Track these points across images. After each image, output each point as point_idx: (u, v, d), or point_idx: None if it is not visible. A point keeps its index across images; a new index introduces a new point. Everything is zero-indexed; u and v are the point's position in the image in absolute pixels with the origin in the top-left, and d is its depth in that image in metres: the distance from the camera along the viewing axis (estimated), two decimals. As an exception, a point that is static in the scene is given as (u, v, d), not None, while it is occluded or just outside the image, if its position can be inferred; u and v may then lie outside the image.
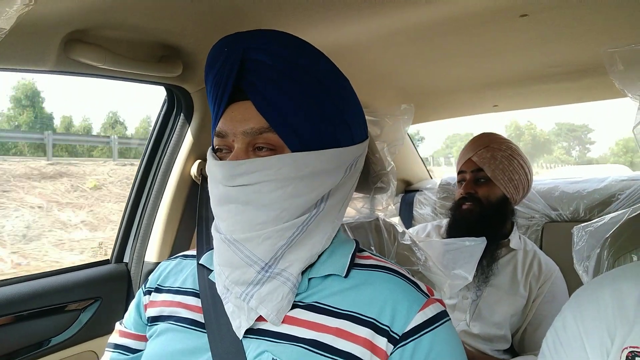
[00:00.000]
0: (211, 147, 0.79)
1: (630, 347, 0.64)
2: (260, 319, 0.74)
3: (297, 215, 0.72)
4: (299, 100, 0.72)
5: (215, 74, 0.74)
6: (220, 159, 0.75)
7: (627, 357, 0.64)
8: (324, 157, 0.73)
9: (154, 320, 0.86)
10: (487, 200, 1.62)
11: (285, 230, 0.71)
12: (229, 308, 0.76)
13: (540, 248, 1.90)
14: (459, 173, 1.72)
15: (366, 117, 1.11)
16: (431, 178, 2.80)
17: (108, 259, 1.50)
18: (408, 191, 2.64)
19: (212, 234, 0.78)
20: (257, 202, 0.70)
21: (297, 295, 0.75)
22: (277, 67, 0.71)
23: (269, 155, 0.71)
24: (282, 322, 0.73)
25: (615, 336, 0.66)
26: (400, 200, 2.58)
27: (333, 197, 0.76)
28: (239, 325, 0.74)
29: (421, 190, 2.55)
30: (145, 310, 0.89)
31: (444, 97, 2.04)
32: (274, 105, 0.71)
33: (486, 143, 1.66)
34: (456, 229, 1.66)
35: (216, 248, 0.76)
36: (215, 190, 0.74)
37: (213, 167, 0.74)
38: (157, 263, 1.42)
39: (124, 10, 0.99)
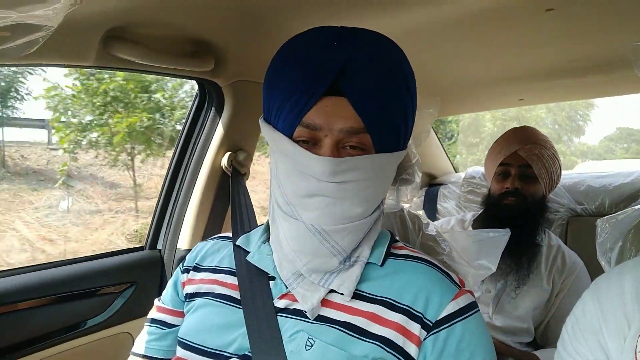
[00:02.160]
0: (286, 134, 0.75)
1: None
2: (294, 299, 0.78)
3: (374, 210, 0.78)
4: (393, 103, 0.74)
5: (313, 64, 0.73)
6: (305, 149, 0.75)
7: None
8: (395, 159, 0.79)
9: (192, 296, 0.90)
10: (532, 198, 1.58)
11: (366, 224, 0.77)
12: (298, 293, 0.78)
13: (565, 242, 1.89)
14: (500, 165, 1.63)
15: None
16: (456, 172, 2.79)
17: (142, 246, 1.57)
18: (432, 185, 2.64)
19: (286, 221, 0.77)
20: (351, 198, 0.73)
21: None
22: (377, 68, 0.73)
23: (357, 155, 0.73)
24: (320, 306, 0.77)
25: (632, 322, 0.68)
26: (424, 194, 2.58)
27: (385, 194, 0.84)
28: (312, 307, 0.76)
29: (445, 184, 2.55)
30: (184, 287, 0.93)
31: (469, 90, 2.03)
32: (371, 108, 0.72)
33: (533, 139, 1.60)
34: (493, 223, 1.58)
35: (294, 235, 0.76)
36: (303, 182, 0.73)
37: (307, 160, 0.72)
38: (189, 250, 1.48)
39: (159, 8, 1.03)
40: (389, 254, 0.82)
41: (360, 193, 0.73)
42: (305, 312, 0.77)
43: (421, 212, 2.52)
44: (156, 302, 0.99)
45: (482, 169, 2.39)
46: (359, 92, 0.72)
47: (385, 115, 0.74)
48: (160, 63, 1.17)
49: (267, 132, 0.79)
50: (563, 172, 1.68)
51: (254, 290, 0.82)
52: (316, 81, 0.71)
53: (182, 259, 1.45)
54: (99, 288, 1.33)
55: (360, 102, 0.72)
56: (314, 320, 0.76)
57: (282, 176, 0.77)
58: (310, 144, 0.74)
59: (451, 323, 0.73)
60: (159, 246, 1.55)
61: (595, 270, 1.08)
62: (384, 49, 0.76)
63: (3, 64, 0.99)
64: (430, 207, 2.51)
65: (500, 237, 1.19)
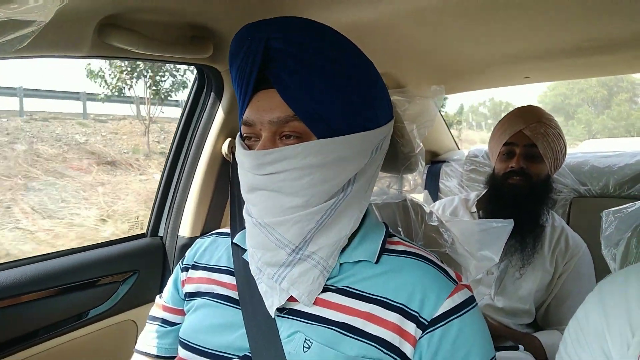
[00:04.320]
0: (239, 134, 0.80)
1: None
2: (293, 299, 0.77)
3: (325, 199, 0.74)
4: (323, 87, 0.72)
5: (239, 63, 0.74)
6: (249, 146, 0.77)
7: None
8: (350, 142, 0.74)
9: (191, 295, 0.90)
10: (537, 177, 1.57)
11: (314, 214, 0.73)
12: (262, 288, 0.79)
13: (568, 223, 1.88)
14: (505, 144, 1.61)
15: (396, 96, 1.11)
16: (458, 149, 2.77)
17: (144, 233, 1.57)
18: (434, 162, 2.62)
19: (244, 217, 0.80)
20: (286, 189, 0.72)
21: (329, 279, 0.77)
22: (300, 55, 0.72)
23: (295, 143, 0.72)
24: (315, 305, 0.76)
25: (637, 329, 0.67)
26: (426, 172, 2.56)
27: (359, 180, 0.78)
28: (272, 304, 0.77)
29: (448, 162, 2.53)
30: (183, 286, 0.93)
31: (475, 69, 2.00)
32: (299, 94, 0.72)
33: (537, 117, 1.58)
34: (498, 203, 1.59)
35: (248, 231, 0.80)
36: (244, 177, 0.76)
37: (242, 156, 0.75)
38: (190, 237, 1.48)
39: (155, -6, 1.00)
40: (383, 250, 0.81)
41: (295, 183, 0.72)
42: (303, 310, 0.77)
43: (424, 193, 2.51)
44: (158, 299, 1.00)
45: (485, 147, 2.37)
46: (282, 80, 0.72)
47: (318, 99, 0.72)
48: (157, 50, 1.13)
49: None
50: (567, 151, 1.66)
51: (251, 290, 0.82)
52: (245, 79, 0.74)
53: (184, 246, 1.46)
54: (101, 277, 1.33)
55: (286, 90, 0.72)
56: (311, 320, 0.76)
57: (239, 175, 0.79)
58: (255, 139, 0.76)
59: (447, 321, 0.72)
60: (161, 233, 1.55)
61: (597, 252, 1.08)
62: (302, 33, 0.74)
63: (-5, 57, 0.97)
64: (433, 185, 2.50)
65: (503, 227, 1.18)
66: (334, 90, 0.73)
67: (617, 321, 0.70)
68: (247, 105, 0.75)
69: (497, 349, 1.45)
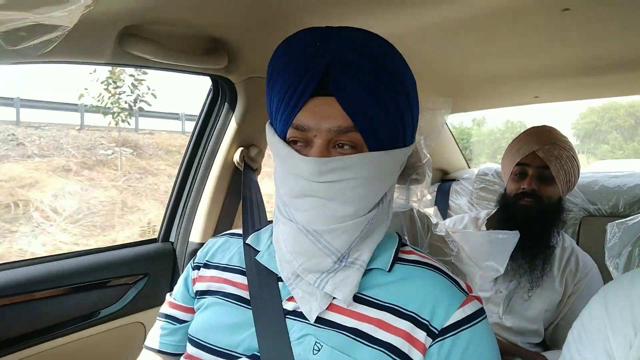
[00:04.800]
0: (279, 135, 0.78)
1: None
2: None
3: (369, 210, 0.76)
4: (382, 100, 0.73)
5: (298, 66, 0.74)
6: (296, 151, 0.76)
7: None
8: (394, 157, 0.77)
9: (202, 294, 0.91)
10: (548, 199, 1.56)
11: (360, 224, 0.75)
12: (297, 293, 0.79)
13: (577, 242, 1.88)
14: (517, 165, 1.60)
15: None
16: (469, 167, 2.78)
17: (156, 238, 1.60)
18: (445, 180, 2.64)
19: (281, 222, 0.79)
20: (341, 198, 0.73)
21: None
22: (365, 67, 0.72)
23: (349, 154, 0.73)
24: (327, 309, 0.77)
25: (639, 329, 0.68)
26: (436, 190, 2.58)
27: (389, 193, 0.81)
28: (309, 310, 0.77)
29: (458, 180, 2.54)
30: (194, 284, 0.95)
31: (484, 87, 2.02)
32: (360, 106, 0.72)
33: (552, 139, 1.57)
34: (508, 223, 1.57)
35: (289, 236, 0.77)
36: (294, 183, 0.75)
37: (296, 161, 0.74)
38: (201, 243, 1.50)
39: (174, 6, 1.04)
40: (397, 259, 0.82)
41: (350, 192, 0.73)
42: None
43: (432, 209, 2.52)
44: (168, 297, 1.01)
45: (494, 165, 2.38)
46: (346, 90, 0.72)
47: (375, 112, 0.73)
48: (174, 60, 1.18)
49: (268, 135, 0.81)
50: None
51: (263, 291, 0.83)
52: (303, 82, 0.72)
53: (194, 252, 1.48)
54: (112, 279, 1.36)
55: (347, 100, 0.72)
56: (322, 325, 0.76)
57: (278, 178, 0.79)
58: (303, 145, 0.75)
59: (457, 331, 0.73)
60: (172, 239, 1.58)
61: (607, 272, 1.08)
62: (371, 46, 0.75)
63: (20, 62, 1.01)
64: (442, 203, 2.51)
65: (509, 238, 1.18)
66: (392, 105, 0.74)
67: (620, 321, 0.70)
68: (299, 108, 0.74)
69: (504, 364, 1.44)
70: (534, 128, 1.66)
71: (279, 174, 0.79)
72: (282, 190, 0.77)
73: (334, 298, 0.77)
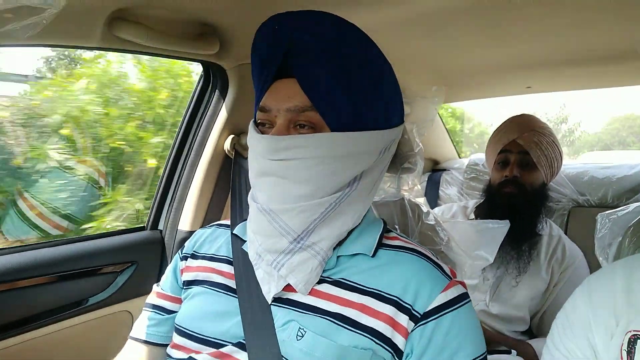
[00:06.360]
0: (253, 119, 0.82)
1: (634, 330, 0.67)
2: (289, 289, 0.78)
3: (332, 192, 0.75)
4: (342, 81, 0.74)
5: (263, 51, 0.77)
6: (262, 132, 0.78)
7: (629, 339, 0.67)
8: (361, 139, 0.75)
9: (189, 284, 0.91)
10: (531, 186, 1.59)
11: (319, 205, 0.75)
12: (259, 274, 0.80)
13: (565, 232, 1.89)
14: (500, 152, 1.64)
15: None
16: (459, 157, 2.79)
17: (144, 226, 1.58)
18: (435, 170, 2.64)
19: (249, 203, 0.81)
20: (295, 177, 0.73)
21: (325, 271, 0.79)
22: (323, 48, 0.74)
23: (309, 133, 0.74)
24: (310, 295, 0.77)
25: (620, 319, 0.69)
26: (426, 179, 2.58)
27: (366, 178, 0.79)
28: (268, 291, 0.78)
29: (448, 170, 2.55)
30: (182, 274, 0.95)
31: (476, 77, 2.02)
32: (318, 85, 0.73)
33: (531, 126, 1.62)
34: (494, 212, 1.59)
35: (252, 216, 0.81)
36: (255, 162, 0.77)
37: (255, 140, 0.77)
38: (190, 231, 1.49)
39: (165, -11, 1.03)
40: (380, 245, 0.82)
41: (305, 172, 0.73)
42: (298, 300, 0.78)
43: (423, 199, 2.52)
44: (155, 287, 1.01)
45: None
46: (305, 71, 0.73)
47: (336, 93, 0.73)
48: (165, 45, 1.16)
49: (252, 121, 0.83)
50: (567, 161, 1.68)
51: (249, 279, 0.83)
52: (266, 66, 0.76)
53: (183, 240, 1.47)
54: (100, 267, 1.35)
55: (306, 80, 0.73)
56: (306, 310, 0.77)
57: (249, 161, 0.80)
58: (268, 126, 0.78)
59: (439, 315, 0.73)
60: (160, 227, 1.56)
61: (594, 262, 1.09)
62: (329, 28, 0.75)
63: (7, 44, 0.99)
64: (432, 193, 2.51)
65: (499, 228, 1.19)
66: (352, 87, 0.74)
67: (602, 312, 0.71)
68: (265, 91, 0.77)
69: (490, 352, 1.45)
70: (513, 117, 1.71)
71: (249, 155, 0.81)
72: (250, 172, 0.80)
73: (320, 282, 0.78)
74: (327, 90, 0.73)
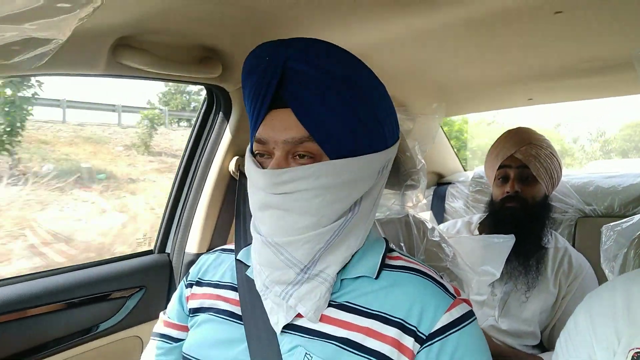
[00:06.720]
0: (250, 150, 0.81)
1: (636, 348, 0.67)
2: (296, 315, 0.78)
3: (334, 219, 0.75)
4: (337, 109, 0.73)
5: (255, 81, 0.75)
6: (260, 163, 0.77)
7: (632, 357, 0.66)
8: (360, 164, 0.75)
9: (195, 311, 0.91)
10: (532, 199, 1.59)
11: (323, 234, 0.74)
12: (267, 304, 0.80)
13: (573, 243, 1.88)
14: (499, 168, 1.64)
15: (398, 114, 1.14)
16: (464, 170, 2.79)
17: (152, 250, 1.58)
18: (440, 184, 2.64)
19: (252, 235, 0.80)
20: (298, 209, 0.73)
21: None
22: (317, 77, 0.72)
23: (308, 163, 0.73)
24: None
25: (622, 337, 0.68)
26: (432, 193, 2.58)
27: (366, 200, 0.79)
28: (277, 321, 0.78)
29: (453, 183, 2.55)
30: (187, 302, 0.94)
31: (478, 90, 2.03)
32: (314, 115, 0.72)
33: (528, 140, 1.62)
34: (498, 227, 1.58)
35: (256, 249, 0.80)
36: (255, 195, 0.76)
37: (254, 174, 0.76)
38: (197, 254, 1.50)
39: (168, 17, 1.04)
40: (383, 266, 0.81)
41: (307, 203, 0.72)
42: (304, 325, 0.77)
43: (429, 213, 2.51)
44: (162, 315, 1.01)
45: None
46: (300, 100, 0.72)
47: (331, 121, 0.73)
48: (168, 70, 1.18)
49: (248, 150, 0.82)
50: (572, 172, 1.67)
51: (254, 305, 0.83)
52: (260, 97, 0.74)
53: (191, 263, 1.48)
54: (109, 292, 1.35)
55: (301, 110, 0.72)
56: (312, 335, 0.76)
57: (249, 192, 0.80)
58: (267, 157, 0.77)
59: (445, 335, 0.72)
60: (168, 250, 1.57)
61: (602, 273, 1.08)
62: (320, 55, 0.74)
63: (14, 75, 1.01)
64: (438, 206, 2.51)
65: (504, 242, 1.19)
66: (349, 113, 0.74)
67: (604, 329, 0.71)
68: (260, 123, 0.75)
69: (502, 367, 1.44)
70: (509, 131, 1.71)
71: (248, 187, 0.80)
72: (251, 205, 0.79)
73: (327, 307, 0.77)
74: (324, 119, 0.73)
